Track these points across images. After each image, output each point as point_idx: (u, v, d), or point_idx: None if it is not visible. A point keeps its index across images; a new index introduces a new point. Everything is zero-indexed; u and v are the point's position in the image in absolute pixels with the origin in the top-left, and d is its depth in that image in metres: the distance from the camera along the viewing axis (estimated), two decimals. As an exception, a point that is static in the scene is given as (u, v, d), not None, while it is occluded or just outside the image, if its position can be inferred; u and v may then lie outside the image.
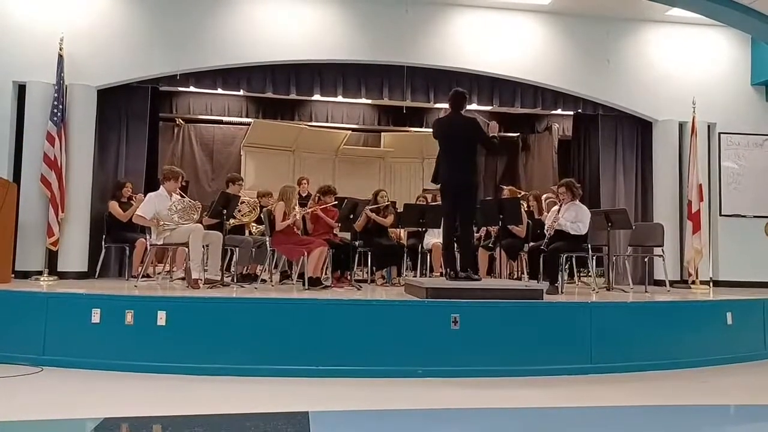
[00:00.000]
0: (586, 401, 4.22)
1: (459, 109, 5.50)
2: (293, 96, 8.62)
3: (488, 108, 9.09)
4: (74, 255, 7.12)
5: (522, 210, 6.99)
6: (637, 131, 8.92)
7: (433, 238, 7.25)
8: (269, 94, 8.62)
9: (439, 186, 5.72)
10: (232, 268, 6.95)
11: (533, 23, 8.42)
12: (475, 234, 6.93)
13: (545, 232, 6.55)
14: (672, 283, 7.51)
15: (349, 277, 6.89)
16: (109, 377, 4.47)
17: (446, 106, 5.93)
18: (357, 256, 7.13)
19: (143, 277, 6.32)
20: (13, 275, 6.39)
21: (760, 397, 4.52)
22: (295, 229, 6.56)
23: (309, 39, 7.86)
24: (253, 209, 7.17)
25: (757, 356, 5.64)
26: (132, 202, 7.19)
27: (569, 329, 4.98)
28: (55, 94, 6.91)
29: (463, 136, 5.39)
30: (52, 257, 6.92)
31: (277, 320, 4.76)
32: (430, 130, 5.89)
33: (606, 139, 8.89)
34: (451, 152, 5.40)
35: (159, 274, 7.14)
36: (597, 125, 8.93)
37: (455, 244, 5.57)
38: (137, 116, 7.88)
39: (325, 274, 6.81)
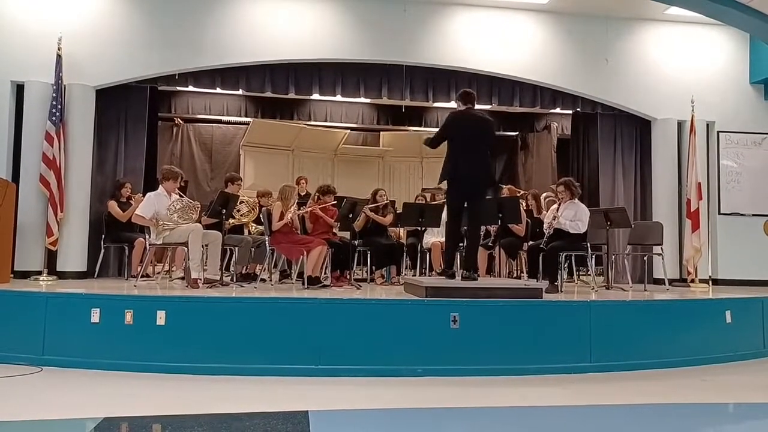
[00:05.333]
0: (585, 400, 4.21)
1: (473, 105, 5.45)
2: (292, 95, 8.63)
3: (487, 107, 9.09)
4: (73, 255, 7.12)
5: (521, 209, 6.99)
6: (636, 130, 8.93)
7: (433, 237, 7.25)
8: (268, 94, 8.62)
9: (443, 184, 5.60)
10: (232, 268, 6.96)
11: (532, 22, 8.42)
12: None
13: (544, 230, 6.55)
14: (671, 282, 7.52)
15: (348, 277, 6.88)
16: (108, 377, 4.47)
17: (444, 105, 5.89)
18: (356, 255, 7.12)
19: (142, 276, 6.33)
20: (12, 275, 6.38)
21: (759, 395, 4.52)
22: (294, 229, 6.56)
23: (308, 38, 7.86)
24: (252, 209, 7.18)
25: (756, 354, 5.65)
26: (131, 201, 7.20)
27: (569, 328, 4.98)
28: (54, 94, 6.91)
29: (481, 133, 5.34)
30: (51, 257, 6.92)
31: (276, 320, 4.76)
32: (430, 129, 5.84)
33: (605, 138, 8.91)
34: (469, 148, 5.25)
35: (158, 273, 7.13)
36: (596, 124, 8.95)
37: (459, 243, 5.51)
38: (136, 116, 7.87)
39: (325, 273, 6.81)
